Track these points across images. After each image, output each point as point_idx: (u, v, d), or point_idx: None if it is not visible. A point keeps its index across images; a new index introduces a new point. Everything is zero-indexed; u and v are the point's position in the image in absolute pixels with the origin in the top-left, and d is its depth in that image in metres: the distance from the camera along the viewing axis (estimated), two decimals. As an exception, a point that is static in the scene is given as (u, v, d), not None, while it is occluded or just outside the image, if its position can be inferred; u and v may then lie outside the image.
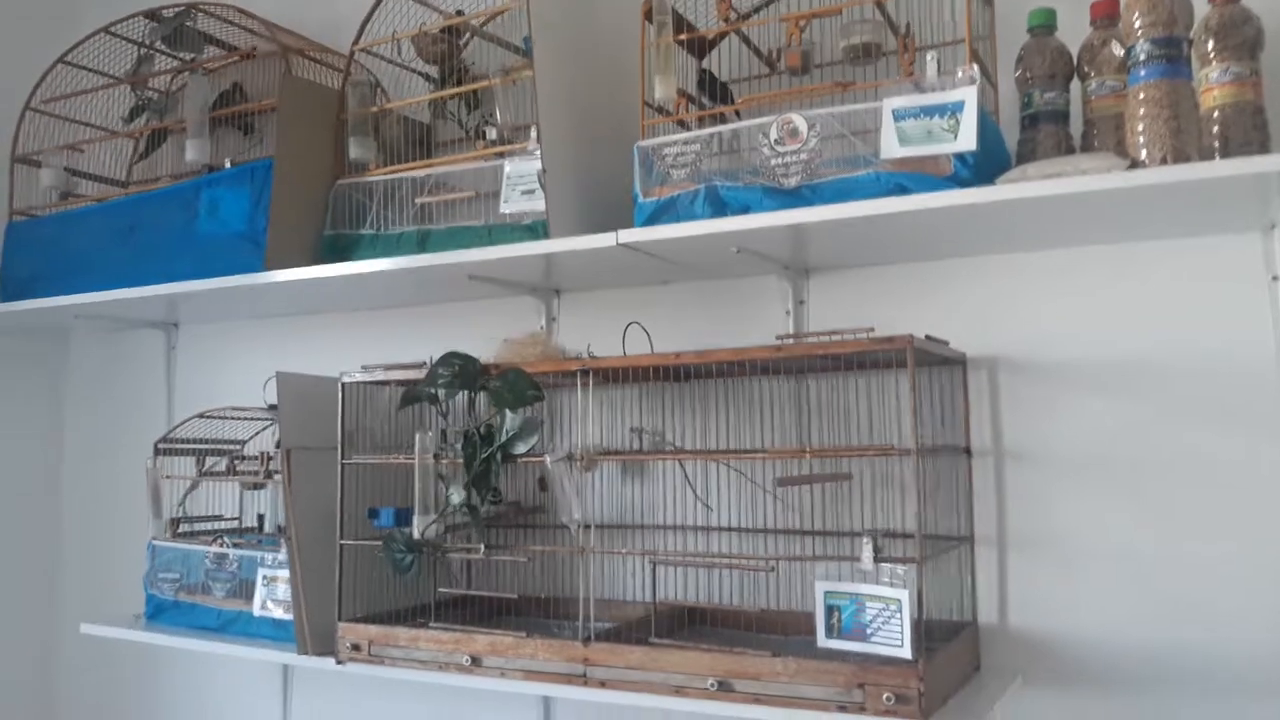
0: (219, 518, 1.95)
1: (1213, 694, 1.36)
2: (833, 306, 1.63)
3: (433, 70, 1.85)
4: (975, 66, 1.28)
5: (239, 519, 1.96)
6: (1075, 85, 1.40)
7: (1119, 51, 1.33)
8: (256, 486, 1.92)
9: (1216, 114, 1.22)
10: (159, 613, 1.85)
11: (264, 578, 1.70)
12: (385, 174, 1.72)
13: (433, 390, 1.45)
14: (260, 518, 1.97)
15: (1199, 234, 1.39)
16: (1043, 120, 1.38)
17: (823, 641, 1.26)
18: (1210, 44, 1.22)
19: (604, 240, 1.45)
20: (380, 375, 1.56)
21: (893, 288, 1.59)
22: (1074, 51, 1.39)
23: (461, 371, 1.44)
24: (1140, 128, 1.20)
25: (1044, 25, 1.40)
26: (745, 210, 1.38)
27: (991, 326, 1.52)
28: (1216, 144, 1.22)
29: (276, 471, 1.69)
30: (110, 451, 2.38)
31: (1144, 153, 1.20)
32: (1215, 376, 1.38)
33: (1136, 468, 1.42)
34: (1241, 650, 1.35)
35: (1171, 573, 1.39)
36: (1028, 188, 1.21)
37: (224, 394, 2.07)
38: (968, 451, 1.50)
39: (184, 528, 1.90)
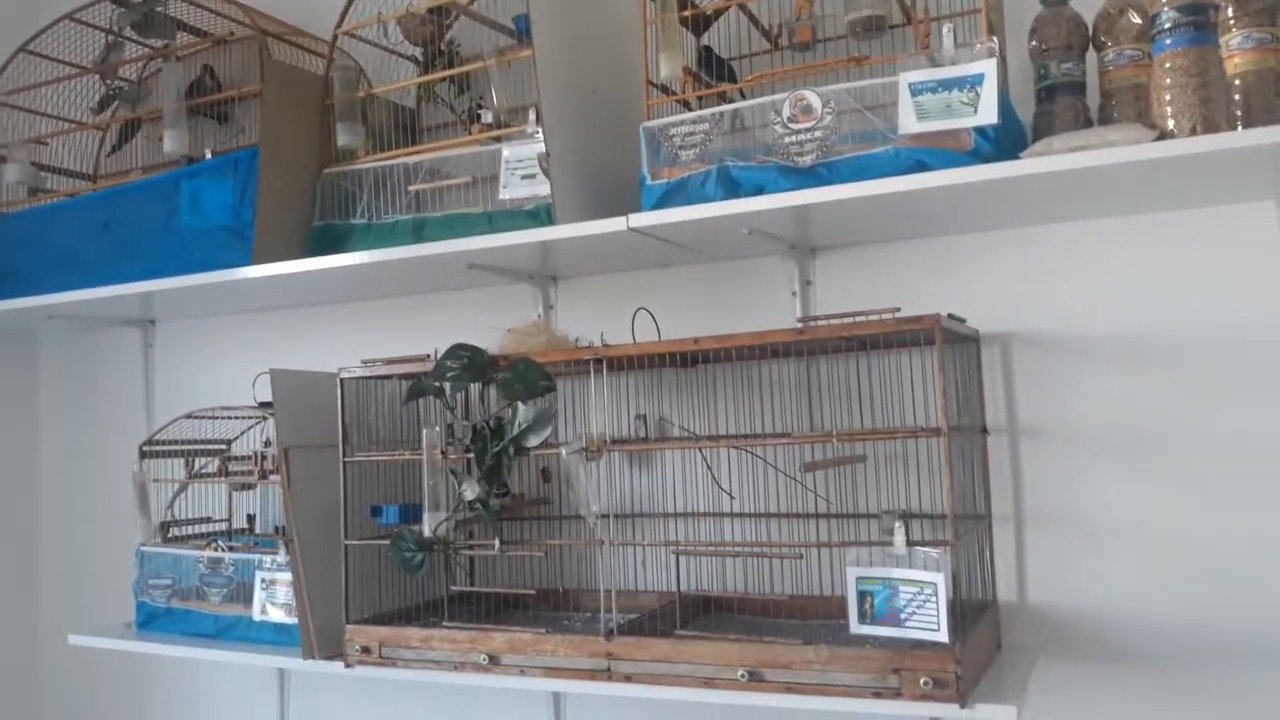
0: (209, 520, 1.89)
1: (1238, 667, 1.35)
2: (840, 286, 1.60)
3: (418, 53, 1.79)
4: (994, 38, 1.26)
5: (229, 521, 1.90)
6: (1090, 56, 1.38)
7: (1137, 20, 1.30)
8: (246, 487, 1.86)
9: (1238, 81, 1.19)
10: (150, 620, 1.78)
11: (262, 581, 1.64)
12: (376, 161, 1.66)
13: (440, 383, 1.40)
14: (250, 518, 1.92)
15: (1216, 203, 1.38)
16: (1060, 92, 1.36)
17: (856, 628, 1.23)
18: (1231, 9, 1.20)
19: (614, 225, 1.40)
20: (381, 370, 1.50)
21: (899, 265, 1.57)
22: (1089, 21, 1.37)
23: (470, 364, 1.39)
24: (1168, 97, 1.18)
25: (1058, -5, 1.38)
26: (759, 190, 1.34)
27: (1002, 302, 1.50)
28: (1239, 112, 1.19)
29: (272, 471, 1.63)
30: (88, 455, 2.30)
31: (1172, 123, 1.18)
32: (1239, 347, 1.37)
33: (1157, 441, 1.41)
34: (1269, 624, 1.34)
35: (1195, 546, 1.38)
36: (1056, 161, 1.18)
37: (206, 393, 2.00)
38: (984, 430, 1.48)
39: (174, 531, 1.83)
